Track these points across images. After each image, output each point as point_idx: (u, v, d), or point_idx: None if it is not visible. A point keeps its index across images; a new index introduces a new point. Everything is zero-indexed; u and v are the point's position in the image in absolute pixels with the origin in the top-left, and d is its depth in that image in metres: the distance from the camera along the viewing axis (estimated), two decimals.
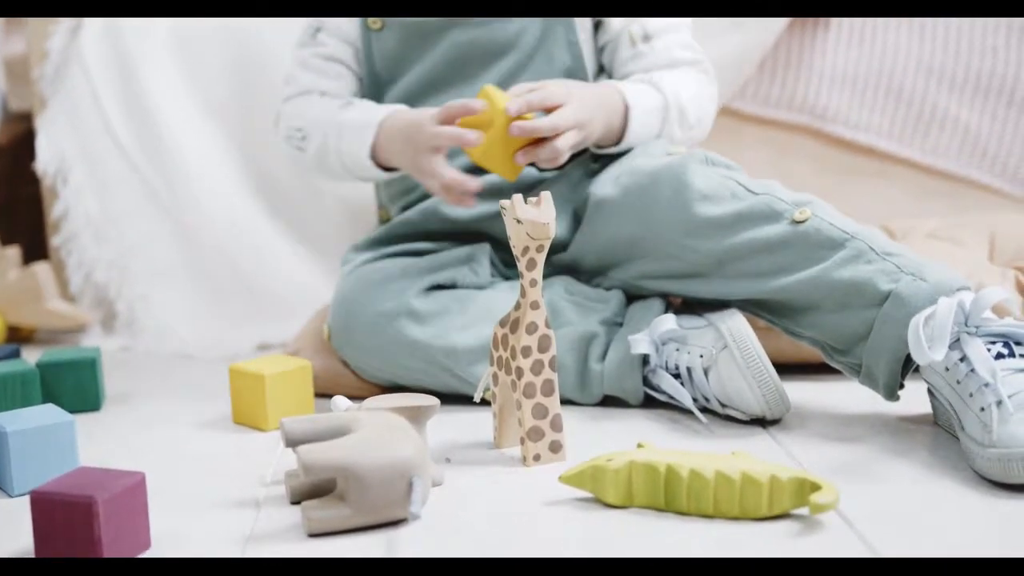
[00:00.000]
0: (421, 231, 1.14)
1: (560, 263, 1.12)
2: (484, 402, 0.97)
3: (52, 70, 1.44)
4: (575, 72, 1.14)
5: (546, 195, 0.89)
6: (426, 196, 1.15)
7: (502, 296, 1.08)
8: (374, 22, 1.14)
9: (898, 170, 1.45)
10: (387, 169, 1.13)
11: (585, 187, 1.11)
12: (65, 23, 1.44)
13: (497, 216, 1.08)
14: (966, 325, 0.87)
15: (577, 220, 1.12)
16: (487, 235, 1.13)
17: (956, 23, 1.41)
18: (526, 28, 1.12)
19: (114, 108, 1.42)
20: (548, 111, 1.02)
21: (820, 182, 1.45)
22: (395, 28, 1.14)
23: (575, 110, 1.03)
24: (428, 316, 1.06)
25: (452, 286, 1.09)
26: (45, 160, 1.42)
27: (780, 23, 1.40)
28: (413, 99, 1.14)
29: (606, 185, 1.08)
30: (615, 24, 1.15)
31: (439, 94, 1.13)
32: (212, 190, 1.41)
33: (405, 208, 1.17)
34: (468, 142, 1.01)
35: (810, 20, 1.42)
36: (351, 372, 1.11)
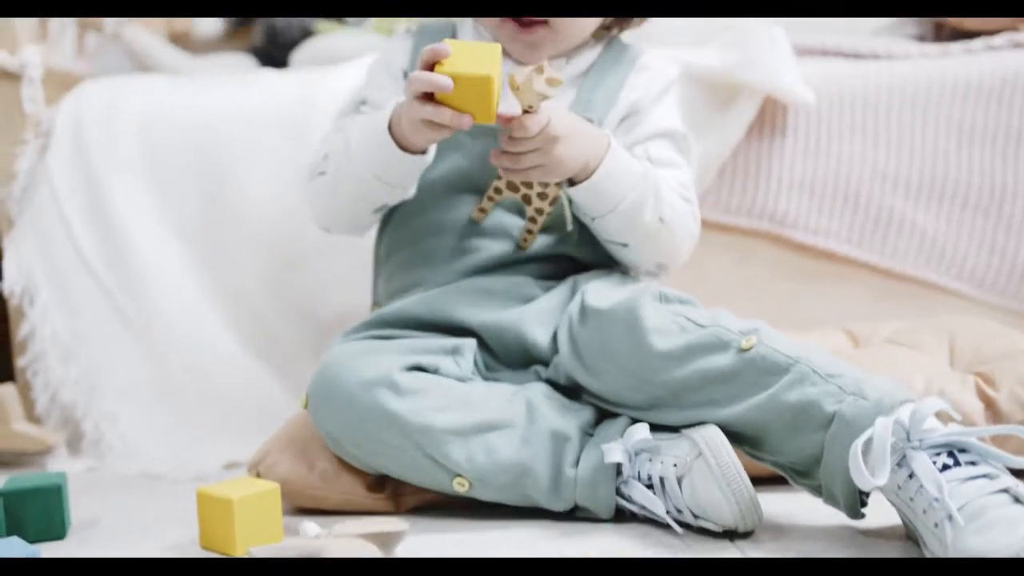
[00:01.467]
0: (412, 319, 1.14)
1: (540, 376, 1.13)
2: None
3: (19, 191, 1.44)
4: None
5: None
6: (423, 288, 1.16)
7: (482, 391, 1.09)
8: None
9: (858, 273, 1.47)
10: (403, 149, 1.11)
11: (564, 312, 1.13)
12: (32, 143, 1.45)
13: (486, 314, 1.12)
14: (908, 440, 0.89)
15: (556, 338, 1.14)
16: (476, 333, 1.14)
17: (908, 129, 1.45)
18: None
19: (82, 227, 1.43)
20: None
21: (781, 286, 1.48)
22: None
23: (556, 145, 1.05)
24: (408, 391, 1.06)
25: (434, 372, 1.10)
26: (12, 280, 1.42)
27: (738, 132, 1.43)
28: (431, 190, 1.17)
29: (574, 318, 1.10)
30: (624, 143, 1.17)
31: (458, 193, 1.17)
32: (180, 308, 1.42)
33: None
34: (441, 88, 1.00)
35: (767, 129, 1.45)
36: (318, 477, 1.11)
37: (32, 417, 1.44)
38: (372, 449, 1.07)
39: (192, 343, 1.42)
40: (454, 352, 1.11)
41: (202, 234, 1.44)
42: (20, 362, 1.45)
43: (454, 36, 1.21)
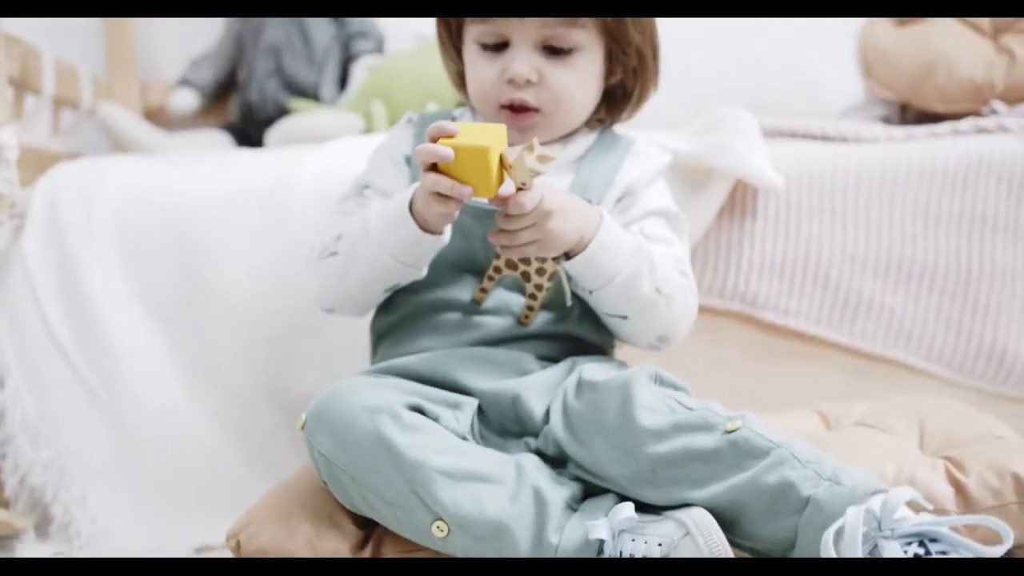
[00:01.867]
0: (413, 374, 1.15)
1: (530, 447, 1.14)
2: None
3: None
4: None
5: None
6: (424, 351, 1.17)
7: (476, 448, 1.09)
8: None
9: (829, 353, 1.49)
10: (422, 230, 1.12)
11: (560, 387, 1.15)
12: (7, 224, 1.45)
13: (485, 381, 1.12)
14: (880, 529, 0.91)
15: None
16: (477, 396, 1.14)
17: (876, 212, 1.47)
18: None
19: (55, 308, 1.42)
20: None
21: (753, 367, 1.49)
22: None
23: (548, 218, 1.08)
24: (409, 426, 1.05)
25: (435, 420, 1.09)
26: None
27: (709, 215, 1.45)
28: (439, 282, 1.19)
29: (570, 390, 1.12)
30: (620, 223, 1.20)
31: (460, 273, 1.18)
32: (153, 390, 1.42)
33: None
34: (441, 157, 1.03)
35: (737, 211, 1.47)
36: (301, 543, 1.09)
37: (0, 501, 1.43)
38: (361, 476, 1.06)
39: (165, 425, 1.41)
40: (455, 407, 1.12)
41: (178, 315, 1.44)
42: None
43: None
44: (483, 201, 1.07)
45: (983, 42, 1.79)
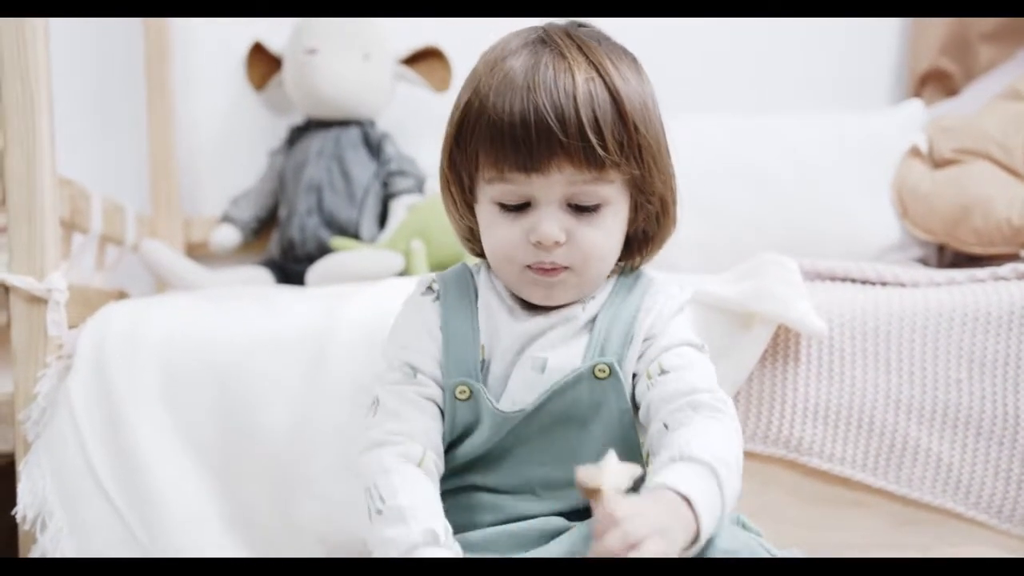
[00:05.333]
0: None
1: None
2: None
3: (38, 413, 1.45)
4: (629, 439, 1.14)
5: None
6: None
7: None
8: (462, 391, 1.14)
9: (876, 500, 1.47)
10: None
11: None
12: (54, 365, 1.46)
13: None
14: None
15: None
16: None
17: (919, 357, 1.47)
18: (579, 400, 1.12)
19: (99, 451, 1.42)
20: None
21: (798, 512, 1.47)
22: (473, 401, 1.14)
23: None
24: None
25: None
26: (26, 504, 1.41)
27: (752, 359, 1.44)
28: (469, 466, 1.15)
29: None
30: (639, 368, 1.16)
31: (495, 465, 1.14)
32: (194, 535, 1.40)
33: None
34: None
35: (780, 356, 1.47)
36: None
37: None
38: None
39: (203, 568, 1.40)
40: None
41: (219, 458, 1.44)
42: None
43: (475, 289, 1.19)
44: (508, 407, 1.10)
45: (1018, 184, 1.81)
